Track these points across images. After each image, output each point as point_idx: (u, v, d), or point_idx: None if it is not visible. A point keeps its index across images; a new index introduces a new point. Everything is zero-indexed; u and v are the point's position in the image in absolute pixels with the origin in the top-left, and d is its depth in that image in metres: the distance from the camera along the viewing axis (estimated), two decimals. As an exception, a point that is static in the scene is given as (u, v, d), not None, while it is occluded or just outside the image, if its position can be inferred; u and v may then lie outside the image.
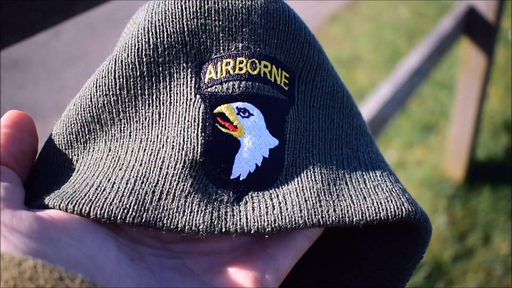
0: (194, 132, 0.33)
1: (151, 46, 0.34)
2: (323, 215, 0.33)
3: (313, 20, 3.49)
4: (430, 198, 2.01)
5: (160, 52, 0.34)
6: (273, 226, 0.32)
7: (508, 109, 2.56)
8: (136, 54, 0.34)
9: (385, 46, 3.28)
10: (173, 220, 0.32)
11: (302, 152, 0.36)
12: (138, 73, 0.34)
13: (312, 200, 0.33)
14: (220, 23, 0.35)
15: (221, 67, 0.35)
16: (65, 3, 0.44)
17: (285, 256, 0.34)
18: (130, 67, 0.34)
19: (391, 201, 0.34)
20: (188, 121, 0.34)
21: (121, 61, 0.34)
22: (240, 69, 0.35)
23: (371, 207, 0.33)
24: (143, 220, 0.31)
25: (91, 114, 0.35)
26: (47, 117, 2.50)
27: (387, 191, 0.35)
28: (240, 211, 0.33)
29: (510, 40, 3.11)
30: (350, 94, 0.40)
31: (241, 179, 0.34)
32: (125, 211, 0.31)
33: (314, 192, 0.34)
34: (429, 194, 2.03)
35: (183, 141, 0.33)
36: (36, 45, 3.01)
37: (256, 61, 0.35)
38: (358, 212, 0.33)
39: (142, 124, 0.35)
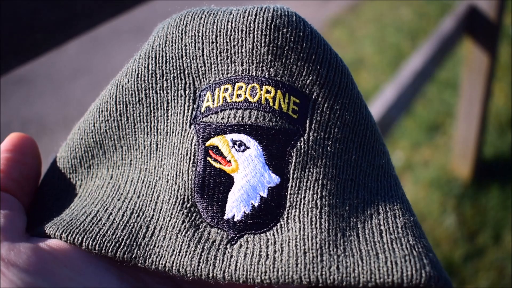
0: (185, 166, 0.31)
1: (150, 72, 0.32)
2: (323, 272, 0.28)
3: (315, 24, 3.48)
4: (438, 198, 2.00)
5: (158, 78, 0.32)
6: (262, 278, 0.28)
7: (514, 106, 2.55)
8: (135, 80, 0.33)
9: (389, 47, 3.27)
10: (162, 259, 0.30)
11: (309, 192, 0.30)
12: (137, 99, 0.33)
13: (313, 253, 0.28)
14: (218, 45, 0.31)
15: (219, 94, 0.32)
16: (64, 24, 0.44)
17: None
18: (130, 92, 0.33)
19: (410, 261, 0.28)
20: (181, 153, 0.31)
21: (122, 86, 0.33)
22: (238, 96, 0.31)
23: (383, 266, 0.28)
24: (133, 256, 0.30)
25: (94, 139, 0.33)
26: (54, 130, 2.52)
27: (407, 248, 0.29)
28: (231, 256, 0.30)
29: (514, 37, 3.10)
30: (377, 128, 0.34)
31: (235, 219, 0.31)
32: (117, 244, 0.30)
33: (317, 243, 0.29)
34: (437, 194, 2.02)
35: (176, 175, 0.31)
36: (41, 59, 3.02)
37: (257, 86, 0.31)
38: (367, 272, 0.28)
39: (142, 153, 0.33)
